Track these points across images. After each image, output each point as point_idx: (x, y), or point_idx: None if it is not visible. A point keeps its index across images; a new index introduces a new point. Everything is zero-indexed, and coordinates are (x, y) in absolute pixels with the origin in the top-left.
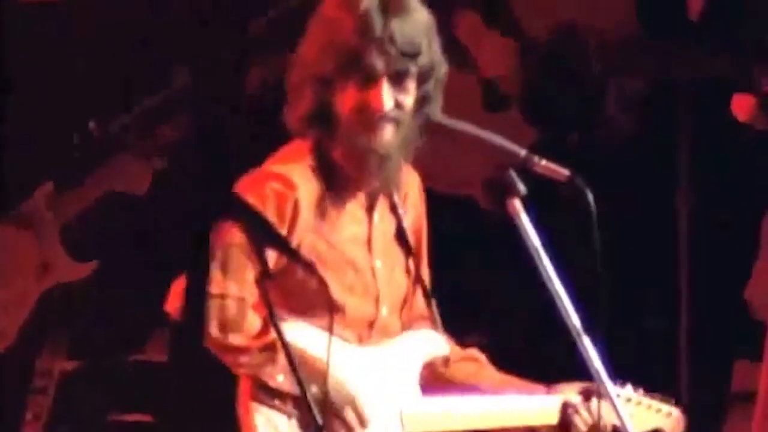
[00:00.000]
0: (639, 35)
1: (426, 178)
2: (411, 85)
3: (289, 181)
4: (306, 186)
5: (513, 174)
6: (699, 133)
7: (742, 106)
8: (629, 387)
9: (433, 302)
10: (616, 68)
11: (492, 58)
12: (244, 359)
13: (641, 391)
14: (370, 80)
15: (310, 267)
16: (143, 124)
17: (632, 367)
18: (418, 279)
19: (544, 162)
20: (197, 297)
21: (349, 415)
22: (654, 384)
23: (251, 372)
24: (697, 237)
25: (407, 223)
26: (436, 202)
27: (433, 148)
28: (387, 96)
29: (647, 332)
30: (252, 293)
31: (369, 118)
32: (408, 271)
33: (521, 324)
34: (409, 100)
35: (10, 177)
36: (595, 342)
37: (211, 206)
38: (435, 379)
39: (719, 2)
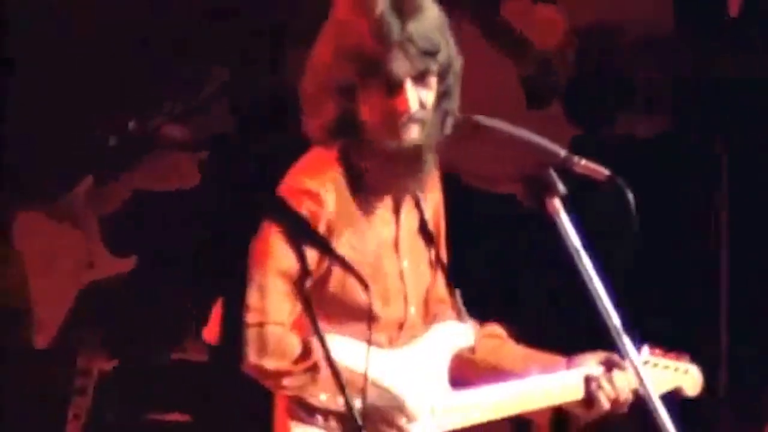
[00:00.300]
0: (675, 32)
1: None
2: (433, 82)
3: (321, 197)
4: (337, 199)
5: (553, 174)
6: (736, 131)
7: None
8: (646, 349)
9: (457, 292)
10: (651, 66)
11: (545, 27)
12: (286, 382)
13: (657, 351)
14: (394, 84)
15: (350, 268)
16: (181, 120)
17: None
18: (438, 266)
19: (584, 162)
20: (235, 324)
21: (401, 419)
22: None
23: (293, 393)
24: (737, 236)
25: (428, 215)
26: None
27: (468, 146)
28: (413, 98)
29: (686, 332)
30: (291, 314)
31: (395, 120)
32: (431, 263)
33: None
34: (431, 97)
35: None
36: (633, 340)
37: (251, 207)
38: (461, 365)
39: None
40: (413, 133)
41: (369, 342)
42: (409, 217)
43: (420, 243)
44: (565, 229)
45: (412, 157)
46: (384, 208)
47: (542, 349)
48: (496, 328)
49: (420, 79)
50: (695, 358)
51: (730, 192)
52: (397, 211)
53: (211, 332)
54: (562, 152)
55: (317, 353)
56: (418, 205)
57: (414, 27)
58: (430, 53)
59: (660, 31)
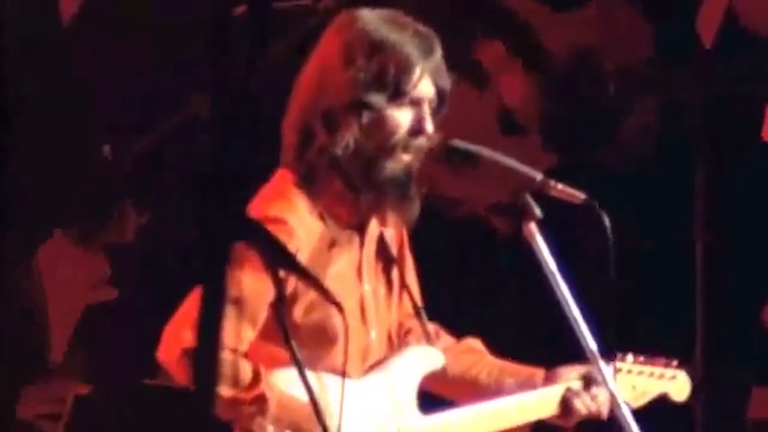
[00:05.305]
0: (656, 59)
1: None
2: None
3: (287, 225)
4: (303, 227)
5: (529, 198)
6: (716, 157)
7: None
8: (630, 356)
9: (423, 314)
10: (632, 92)
11: (511, 89)
12: (236, 411)
13: (642, 358)
14: (417, 102)
15: (323, 289)
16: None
17: None
18: (402, 286)
19: (560, 186)
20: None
21: None
22: (670, 411)
23: (243, 424)
24: (714, 261)
25: (388, 235)
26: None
27: (442, 170)
28: (429, 119)
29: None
30: (245, 341)
31: (407, 138)
32: (390, 284)
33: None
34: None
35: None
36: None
37: (223, 229)
38: (440, 383)
39: (733, 30)
40: (407, 160)
41: (344, 366)
42: (371, 240)
43: (379, 265)
44: (541, 253)
45: (404, 183)
46: (348, 231)
47: (520, 361)
48: (474, 343)
49: (431, 104)
50: None
51: (708, 219)
52: (361, 234)
53: (164, 352)
54: (539, 176)
55: (264, 383)
56: (378, 227)
57: (437, 55)
58: (446, 80)
59: (639, 58)
